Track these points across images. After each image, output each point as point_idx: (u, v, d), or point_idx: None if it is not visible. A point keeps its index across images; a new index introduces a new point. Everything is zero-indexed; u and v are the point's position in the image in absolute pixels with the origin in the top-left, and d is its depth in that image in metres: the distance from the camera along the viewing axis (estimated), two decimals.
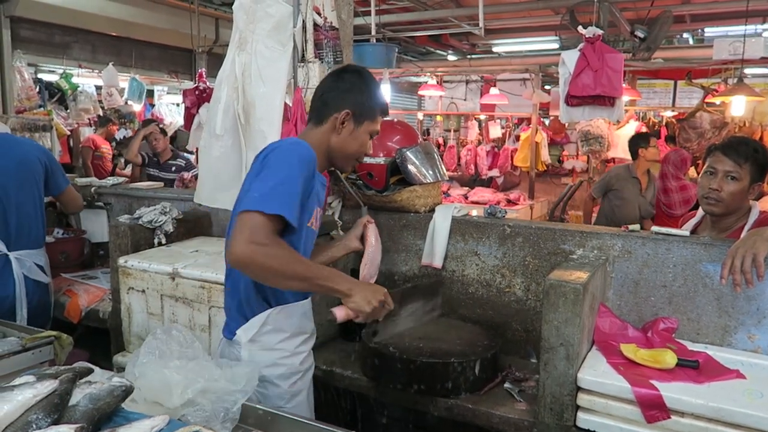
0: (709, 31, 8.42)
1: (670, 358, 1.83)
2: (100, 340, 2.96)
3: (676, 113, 8.89)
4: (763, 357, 1.96)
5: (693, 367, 1.83)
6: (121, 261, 2.64)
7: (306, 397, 1.89)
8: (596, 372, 1.80)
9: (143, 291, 2.58)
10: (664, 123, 8.63)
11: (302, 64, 2.69)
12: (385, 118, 1.99)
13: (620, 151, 7.59)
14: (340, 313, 1.69)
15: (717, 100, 6.25)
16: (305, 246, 1.80)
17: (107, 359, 2.78)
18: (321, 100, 1.86)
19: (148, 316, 2.58)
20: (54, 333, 1.93)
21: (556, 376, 1.82)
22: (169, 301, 2.51)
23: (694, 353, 1.95)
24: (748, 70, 5.70)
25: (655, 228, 2.21)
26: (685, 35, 8.87)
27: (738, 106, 5.66)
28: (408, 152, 2.55)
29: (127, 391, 1.35)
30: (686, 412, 1.65)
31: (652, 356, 1.87)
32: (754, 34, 5.99)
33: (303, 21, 2.65)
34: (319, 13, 2.65)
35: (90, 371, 1.43)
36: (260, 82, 2.62)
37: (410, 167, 2.55)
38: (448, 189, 8.64)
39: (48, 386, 1.23)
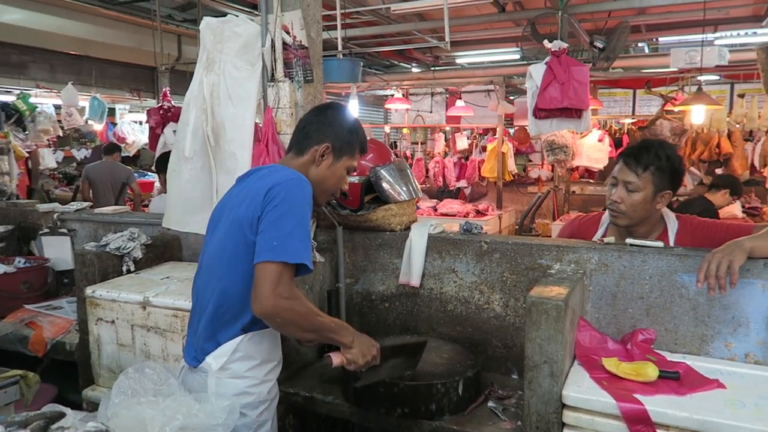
0: (663, 40, 8.70)
1: (651, 371, 1.84)
2: (68, 372, 2.85)
3: (635, 121, 9.13)
4: (740, 365, 1.99)
5: (674, 379, 1.84)
6: (88, 291, 2.55)
7: (271, 427, 1.87)
8: (580, 388, 1.79)
9: (113, 321, 2.48)
10: (625, 131, 8.84)
11: (272, 83, 2.66)
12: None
13: (585, 159, 7.74)
14: (336, 359, 1.80)
15: (677, 109, 6.42)
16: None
17: (76, 392, 2.67)
18: (303, 132, 1.94)
19: (118, 348, 2.49)
20: (20, 372, 1.85)
21: (540, 394, 1.80)
22: (140, 332, 2.42)
23: (674, 364, 1.96)
24: (702, 78, 5.87)
25: (629, 240, 2.22)
26: (641, 44, 9.14)
27: (698, 115, 5.83)
28: (382, 170, 2.54)
29: None
30: (671, 426, 1.65)
31: (634, 369, 1.87)
32: (707, 43, 6.18)
33: (272, 40, 2.61)
34: (287, 32, 2.62)
35: (62, 415, 1.36)
36: (229, 102, 2.58)
37: (385, 185, 2.54)
38: (418, 201, 8.67)
39: None
